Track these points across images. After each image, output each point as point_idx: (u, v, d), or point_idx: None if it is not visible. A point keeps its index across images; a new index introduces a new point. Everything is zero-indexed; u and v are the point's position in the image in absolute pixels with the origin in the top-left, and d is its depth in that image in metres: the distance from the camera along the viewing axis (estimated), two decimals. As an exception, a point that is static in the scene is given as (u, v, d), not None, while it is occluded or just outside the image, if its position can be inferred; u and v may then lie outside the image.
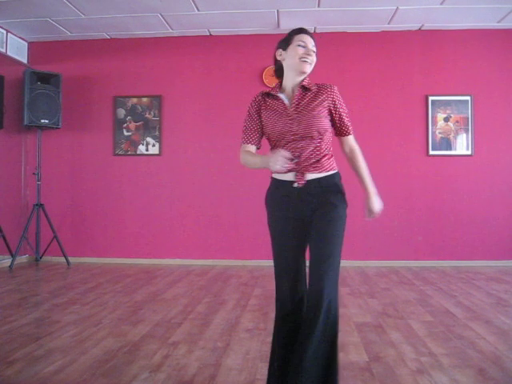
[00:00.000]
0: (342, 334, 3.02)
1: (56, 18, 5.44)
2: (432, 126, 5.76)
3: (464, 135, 5.75)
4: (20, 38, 5.96)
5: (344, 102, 2.19)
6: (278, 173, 2.03)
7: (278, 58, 2.14)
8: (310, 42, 2.07)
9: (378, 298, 4.04)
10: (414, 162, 5.80)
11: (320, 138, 2.07)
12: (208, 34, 5.94)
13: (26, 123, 5.65)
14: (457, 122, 5.75)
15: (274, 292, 2.07)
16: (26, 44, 6.10)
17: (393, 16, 5.36)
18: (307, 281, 2.01)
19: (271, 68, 6.22)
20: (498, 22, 5.49)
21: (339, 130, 2.23)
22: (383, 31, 5.80)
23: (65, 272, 5.35)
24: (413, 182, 5.77)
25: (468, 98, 5.73)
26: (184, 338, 2.94)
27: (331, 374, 1.87)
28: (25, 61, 6.06)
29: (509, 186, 5.70)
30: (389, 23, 5.58)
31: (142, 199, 6.01)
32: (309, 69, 2.08)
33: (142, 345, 2.80)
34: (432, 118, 5.76)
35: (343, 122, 2.23)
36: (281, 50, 2.12)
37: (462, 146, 5.76)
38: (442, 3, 5.00)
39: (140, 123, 6.05)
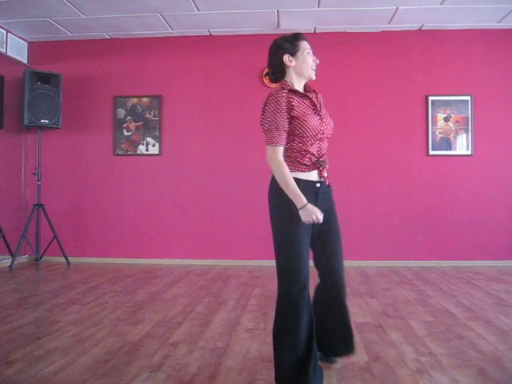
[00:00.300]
0: (342, 334, 3.02)
1: (56, 18, 5.44)
2: (432, 125, 5.76)
3: (464, 135, 5.76)
4: (20, 37, 5.96)
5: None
6: (301, 172, 2.16)
7: (288, 63, 2.23)
8: (312, 49, 2.26)
9: (378, 297, 4.04)
10: (414, 161, 5.80)
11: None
12: (208, 34, 5.94)
13: (25, 123, 5.65)
14: (457, 122, 5.75)
15: (287, 285, 2.13)
16: (26, 44, 6.10)
17: (393, 16, 5.36)
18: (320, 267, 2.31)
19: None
20: (498, 22, 5.49)
21: None
22: (383, 31, 5.80)
23: (65, 272, 5.35)
24: (413, 182, 5.77)
25: (468, 97, 5.73)
26: (184, 338, 2.94)
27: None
28: (25, 61, 6.06)
29: (509, 185, 5.70)
30: (389, 23, 5.58)
31: (141, 199, 6.01)
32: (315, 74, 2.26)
33: (142, 345, 2.81)
34: (432, 117, 5.76)
35: None
36: (289, 56, 2.23)
37: (462, 145, 5.76)
38: (441, 3, 5.00)
39: (140, 123, 6.05)
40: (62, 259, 5.81)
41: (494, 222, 5.70)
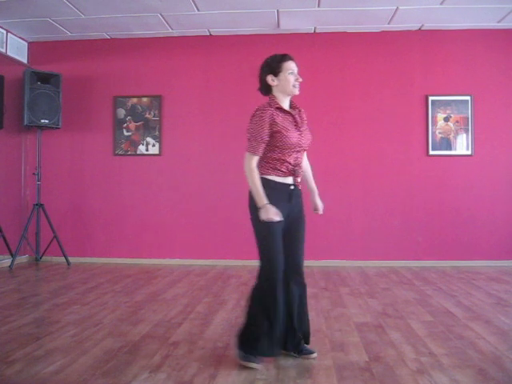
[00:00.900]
0: (342, 333, 3.02)
1: (56, 18, 5.44)
2: (432, 126, 5.76)
3: (464, 135, 5.75)
4: (20, 37, 5.96)
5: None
6: (278, 176, 2.50)
7: (271, 83, 2.53)
8: (296, 68, 2.55)
9: (378, 298, 4.04)
10: (414, 161, 5.80)
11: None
12: (208, 33, 5.94)
13: (25, 123, 5.65)
14: (457, 121, 5.75)
15: (267, 272, 2.47)
16: (26, 44, 6.10)
17: (393, 16, 5.36)
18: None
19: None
20: (498, 21, 5.49)
21: None
22: (383, 31, 5.80)
23: (65, 272, 5.35)
24: (413, 182, 5.77)
25: (468, 97, 5.73)
26: (184, 338, 2.94)
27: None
28: (25, 61, 6.06)
29: (509, 185, 5.70)
30: (389, 23, 5.58)
31: (141, 199, 6.01)
32: (298, 91, 2.56)
33: (142, 345, 2.80)
34: (432, 117, 5.76)
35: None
36: (272, 76, 2.53)
37: (462, 146, 5.76)
38: (441, 3, 5.00)
39: (140, 123, 6.05)
40: (62, 259, 5.80)
41: (494, 222, 5.70)
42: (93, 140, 6.09)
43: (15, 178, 6.06)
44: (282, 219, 2.40)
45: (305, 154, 2.67)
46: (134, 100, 6.05)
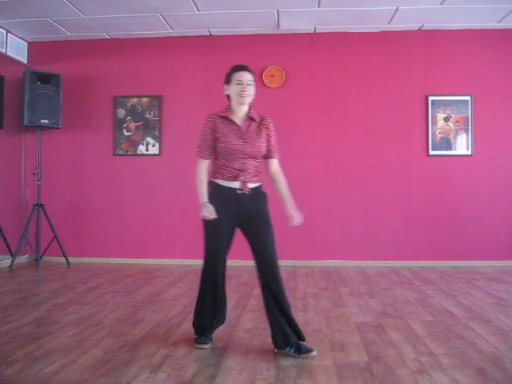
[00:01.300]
0: (342, 333, 3.02)
1: (56, 18, 5.44)
2: (432, 126, 5.76)
3: (464, 135, 5.76)
4: (20, 38, 5.96)
5: (275, 132, 2.80)
6: (222, 180, 2.70)
7: (225, 91, 2.75)
8: (247, 78, 2.68)
9: (378, 298, 4.04)
10: (414, 161, 5.80)
11: (259, 159, 2.74)
12: (208, 34, 5.94)
13: (26, 123, 5.65)
14: (457, 122, 5.76)
15: (206, 264, 2.75)
16: (26, 44, 6.10)
17: (393, 16, 5.36)
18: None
19: (271, 68, 6.24)
20: (498, 22, 5.49)
21: (268, 154, 2.80)
22: (383, 31, 5.80)
23: (65, 272, 5.35)
24: (413, 182, 5.77)
25: (468, 98, 5.73)
26: (184, 338, 2.94)
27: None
28: (25, 61, 6.06)
29: (509, 186, 5.70)
30: (389, 23, 5.58)
31: (141, 199, 6.01)
32: (247, 100, 2.69)
33: (142, 345, 2.80)
34: (432, 118, 5.76)
35: (273, 148, 2.79)
36: (226, 85, 2.74)
37: (462, 145, 5.76)
38: (441, 3, 5.00)
39: (140, 123, 6.05)
40: (62, 259, 5.81)
41: (494, 222, 5.70)
42: (93, 140, 6.09)
43: (15, 178, 6.06)
44: (214, 217, 2.64)
45: (275, 164, 2.82)
46: (134, 100, 6.05)
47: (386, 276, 5.06)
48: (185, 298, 4.02)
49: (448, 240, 5.71)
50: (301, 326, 2.72)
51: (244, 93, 2.66)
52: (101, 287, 4.48)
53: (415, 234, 5.76)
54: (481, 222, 5.69)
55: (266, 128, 2.75)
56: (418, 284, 4.61)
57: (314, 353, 2.60)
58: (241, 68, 2.72)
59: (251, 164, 2.70)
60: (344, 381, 2.28)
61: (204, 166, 2.76)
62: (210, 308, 2.78)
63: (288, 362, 2.52)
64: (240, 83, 2.67)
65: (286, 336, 2.63)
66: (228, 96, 2.76)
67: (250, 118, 2.73)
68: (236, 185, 2.68)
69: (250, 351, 2.70)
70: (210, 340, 2.82)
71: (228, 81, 2.72)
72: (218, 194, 2.70)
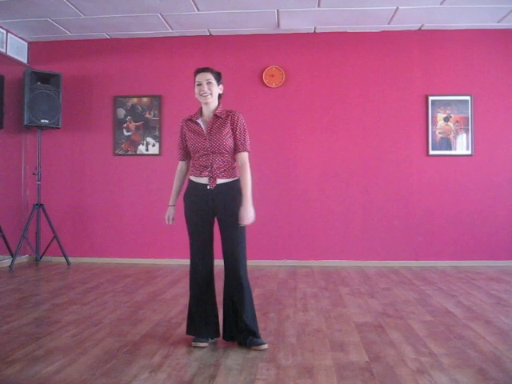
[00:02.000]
0: (342, 333, 3.02)
1: (56, 18, 5.44)
2: (432, 126, 5.76)
3: (464, 135, 5.76)
4: (20, 37, 5.96)
5: (245, 126, 2.84)
6: (194, 176, 2.83)
7: (194, 95, 2.85)
8: (205, 78, 2.79)
9: (378, 297, 4.04)
10: (414, 161, 5.80)
11: (228, 154, 2.79)
12: (208, 33, 5.94)
13: (26, 123, 5.65)
14: (457, 122, 5.76)
15: (191, 262, 2.89)
16: (26, 44, 6.10)
17: (393, 16, 5.36)
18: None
19: (271, 68, 6.24)
20: (498, 22, 5.49)
21: (236, 148, 2.83)
22: (383, 31, 5.80)
23: (65, 272, 5.35)
24: (413, 182, 5.77)
25: (468, 97, 5.73)
26: (184, 337, 2.93)
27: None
28: (25, 61, 6.06)
29: (509, 185, 5.70)
30: (389, 23, 5.58)
31: (141, 199, 6.01)
32: (209, 99, 2.79)
33: (142, 345, 2.81)
34: (432, 117, 5.76)
35: (239, 142, 2.81)
36: (194, 90, 2.84)
37: (462, 146, 5.76)
38: (441, 3, 5.00)
39: (140, 123, 6.05)
40: (62, 259, 5.80)
41: (494, 222, 5.70)
42: (93, 140, 6.09)
43: (15, 177, 6.06)
44: (169, 223, 3.00)
45: (240, 158, 2.81)
46: (134, 100, 6.05)
47: (386, 276, 5.06)
48: (185, 298, 4.01)
49: (448, 240, 5.71)
50: (301, 327, 2.72)
51: (203, 93, 2.78)
52: (101, 287, 4.48)
53: (415, 233, 5.76)
54: (481, 222, 5.69)
55: (232, 123, 2.80)
56: (418, 284, 4.61)
57: (265, 346, 2.71)
58: (199, 70, 2.84)
59: (217, 160, 2.77)
60: (344, 381, 2.27)
61: (179, 167, 2.97)
62: (199, 308, 2.83)
63: (288, 362, 2.52)
64: (199, 84, 2.80)
65: (240, 333, 2.76)
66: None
67: (215, 116, 2.82)
68: (204, 180, 2.78)
69: (250, 351, 2.70)
70: (207, 339, 2.82)
71: (194, 85, 2.85)
72: (191, 190, 2.85)
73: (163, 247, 5.96)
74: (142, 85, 6.03)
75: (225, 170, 2.77)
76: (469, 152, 5.74)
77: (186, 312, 2.90)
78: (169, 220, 2.99)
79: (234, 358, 2.60)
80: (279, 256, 5.80)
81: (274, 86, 5.86)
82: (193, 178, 2.84)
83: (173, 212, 2.98)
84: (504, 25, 5.57)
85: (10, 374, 2.34)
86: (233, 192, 2.78)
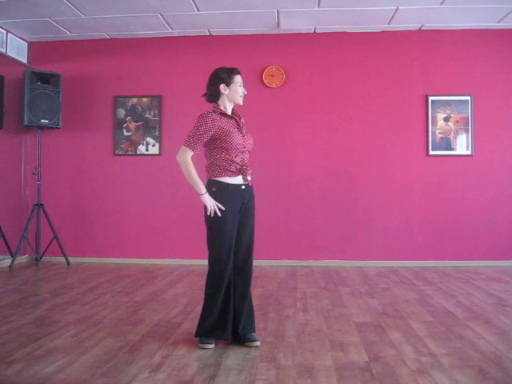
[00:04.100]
0: (342, 333, 3.02)
1: (56, 18, 5.44)
2: (432, 125, 5.76)
3: (464, 135, 5.75)
4: (20, 38, 5.96)
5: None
6: (229, 177, 2.77)
7: (223, 92, 2.84)
8: (243, 81, 2.92)
9: (378, 297, 4.04)
10: (414, 162, 5.80)
11: (249, 153, 2.89)
12: (208, 33, 5.94)
13: (25, 123, 5.65)
14: (457, 121, 5.75)
15: (215, 263, 2.77)
16: (26, 44, 6.10)
17: (393, 16, 5.36)
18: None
19: (271, 68, 6.23)
20: (498, 22, 5.49)
21: None
22: (383, 31, 5.80)
23: (65, 272, 5.35)
24: (413, 182, 5.77)
25: (468, 97, 5.73)
26: (184, 338, 2.94)
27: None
28: (25, 61, 6.06)
29: (509, 185, 5.70)
30: (389, 23, 5.58)
31: (141, 199, 6.01)
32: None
33: (142, 345, 2.81)
34: (432, 117, 5.76)
35: None
36: (225, 86, 2.85)
37: (462, 145, 5.76)
38: (441, 3, 5.00)
39: (140, 123, 6.05)
40: (62, 259, 5.80)
41: (494, 222, 5.70)
42: (93, 140, 6.09)
43: (15, 178, 6.06)
44: (222, 208, 2.72)
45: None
46: (134, 100, 6.05)
47: (386, 276, 5.06)
48: (185, 298, 4.02)
49: (448, 240, 5.71)
50: (301, 327, 2.72)
51: (243, 94, 2.90)
52: (101, 287, 4.48)
53: (415, 233, 5.76)
54: (481, 222, 5.69)
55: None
56: (418, 284, 4.61)
57: (258, 343, 2.76)
58: (238, 71, 2.95)
59: (248, 158, 2.87)
60: (344, 381, 2.28)
61: (190, 159, 2.83)
62: (217, 311, 2.77)
63: (288, 362, 2.52)
64: (241, 85, 2.90)
65: (243, 326, 2.81)
66: (216, 96, 2.87)
67: (238, 116, 2.90)
68: (239, 180, 2.80)
69: (250, 351, 2.70)
70: (214, 340, 2.80)
71: (228, 82, 2.86)
72: (226, 192, 2.76)
73: (163, 247, 5.96)
74: (142, 85, 6.03)
75: (250, 169, 2.87)
76: (469, 152, 5.74)
77: (200, 317, 2.81)
78: (216, 206, 2.72)
79: (234, 358, 2.60)
80: (279, 256, 5.81)
81: (274, 86, 5.86)
82: (226, 180, 2.76)
83: (212, 197, 2.76)
84: (504, 25, 5.57)
85: (10, 374, 2.34)
86: (252, 191, 2.91)
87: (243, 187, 2.80)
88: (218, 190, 2.76)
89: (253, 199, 2.89)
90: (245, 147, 2.82)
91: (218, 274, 2.76)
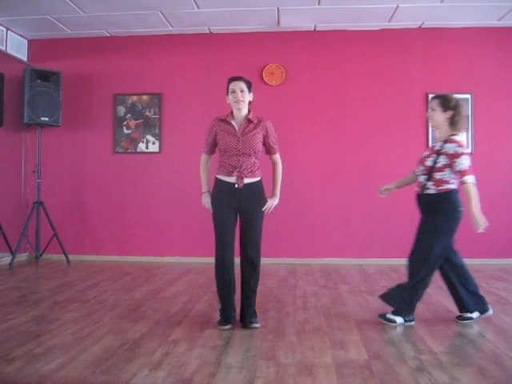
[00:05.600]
0: (342, 331, 3.03)
1: (56, 16, 5.43)
2: (432, 124, 5.75)
3: (464, 133, 5.75)
4: (20, 35, 5.95)
5: (275, 131, 3.22)
6: (223, 175, 3.13)
7: (227, 100, 3.17)
8: (238, 86, 3.08)
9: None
10: (414, 159, 5.75)
11: (254, 156, 3.11)
12: (208, 31, 5.93)
13: (25, 121, 5.64)
14: (457, 120, 5.74)
15: (215, 252, 3.18)
16: (26, 42, 6.09)
17: (393, 14, 5.36)
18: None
19: (271, 66, 6.23)
20: (499, 19, 5.49)
21: (268, 151, 3.25)
22: (383, 29, 5.79)
23: (65, 270, 5.35)
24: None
25: (468, 96, 5.72)
26: (184, 335, 2.94)
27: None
28: (25, 58, 6.06)
29: (509, 184, 5.70)
30: (389, 21, 5.57)
31: (141, 197, 6.01)
32: (242, 105, 3.10)
33: (142, 342, 2.81)
34: (432, 116, 5.74)
35: (274, 145, 3.23)
36: (227, 95, 3.16)
37: (462, 144, 5.75)
38: (442, 1, 4.99)
39: (140, 121, 6.05)
40: (62, 257, 5.81)
41: (494, 221, 5.65)
42: (93, 138, 6.09)
43: (15, 175, 6.06)
44: (209, 208, 3.16)
45: (274, 158, 3.25)
46: (134, 98, 6.05)
47: (386, 274, 5.06)
48: (185, 296, 4.02)
49: (448, 238, 5.70)
50: (301, 325, 2.72)
51: (237, 100, 3.08)
52: (101, 285, 4.49)
53: (415, 231, 5.74)
54: (481, 221, 5.68)
55: (265, 129, 3.14)
56: (418, 282, 4.60)
57: (258, 324, 3.09)
58: (233, 78, 3.13)
59: (246, 161, 3.07)
60: (344, 379, 2.28)
61: (203, 159, 3.29)
62: (226, 296, 3.14)
63: (288, 360, 2.52)
64: (233, 91, 3.09)
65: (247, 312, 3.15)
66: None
67: (247, 120, 3.12)
68: (232, 179, 3.07)
69: (250, 349, 2.70)
70: (232, 321, 3.14)
71: (227, 92, 3.14)
72: (219, 188, 3.13)
73: (163, 245, 5.96)
74: (142, 82, 6.02)
75: (251, 170, 3.09)
76: (469, 150, 5.74)
77: (219, 301, 3.19)
78: (208, 204, 3.19)
79: (234, 355, 2.60)
80: (279, 254, 5.81)
81: (274, 83, 5.86)
82: (221, 177, 3.12)
83: (209, 198, 3.19)
84: (504, 23, 5.56)
85: (10, 372, 2.34)
86: (255, 191, 3.12)
87: (236, 186, 3.06)
88: (214, 184, 3.16)
89: (256, 199, 3.12)
90: (239, 150, 3.05)
91: (216, 261, 3.17)
